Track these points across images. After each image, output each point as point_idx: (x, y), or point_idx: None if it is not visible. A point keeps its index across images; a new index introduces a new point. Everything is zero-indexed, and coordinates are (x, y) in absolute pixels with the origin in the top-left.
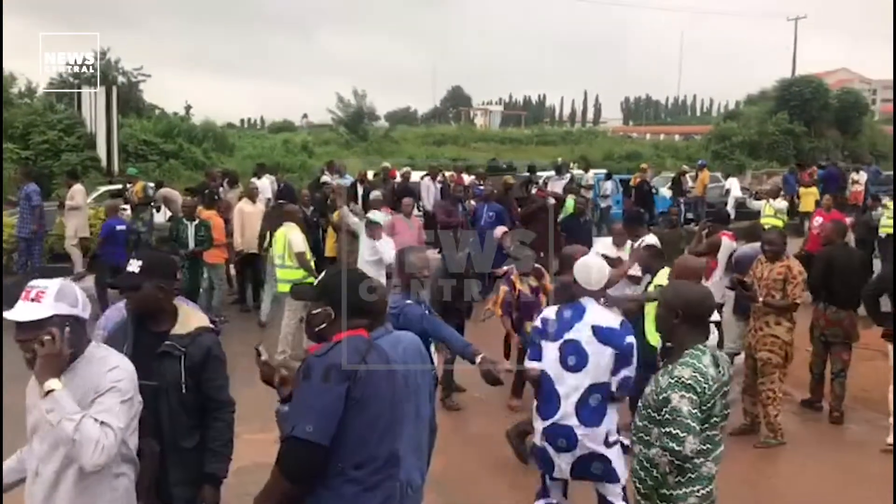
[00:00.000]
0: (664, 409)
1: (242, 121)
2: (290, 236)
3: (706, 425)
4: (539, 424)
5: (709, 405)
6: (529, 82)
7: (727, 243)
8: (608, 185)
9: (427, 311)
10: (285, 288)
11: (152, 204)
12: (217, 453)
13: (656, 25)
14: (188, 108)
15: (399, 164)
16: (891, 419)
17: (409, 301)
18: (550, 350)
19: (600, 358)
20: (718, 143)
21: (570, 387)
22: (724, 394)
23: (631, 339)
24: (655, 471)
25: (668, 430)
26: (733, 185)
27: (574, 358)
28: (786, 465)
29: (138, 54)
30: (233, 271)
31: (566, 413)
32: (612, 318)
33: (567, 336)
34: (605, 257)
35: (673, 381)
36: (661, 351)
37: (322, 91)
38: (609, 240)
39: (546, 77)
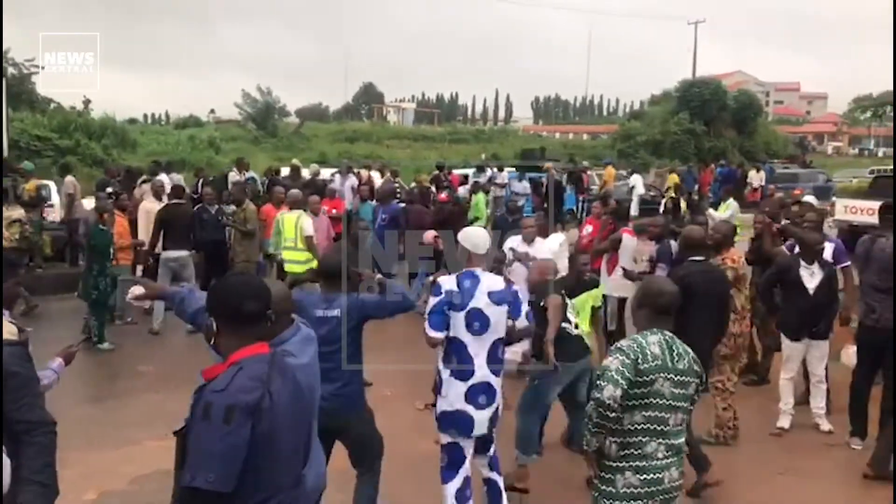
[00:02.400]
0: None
1: (146, 115)
2: (303, 221)
3: (646, 401)
4: (458, 388)
5: (646, 378)
6: (442, 80)
7: (628, 239)
8: (519, 184)
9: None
10: (293, 269)
11: (46, 204)
12: (30, 482)
13: (565, 26)
14: (87, 101)
15: (308, 161)
16: (780, 405)
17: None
18: (459, 319)
19: (499, 317)
20: (624, 142)
21: (478, 347)
22: (682, 383)
23: (515, 288)
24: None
25: (597, 383)
26: (637, 183)
27: (478, 323)
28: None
29: (29, 43)
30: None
31: (482, 371)
32: (499, 280)
33: (471, 305)
34: (514, 252)
35: (611, 349)
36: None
37: (230, 86)
38: (520, 237)
39: (458, 75)
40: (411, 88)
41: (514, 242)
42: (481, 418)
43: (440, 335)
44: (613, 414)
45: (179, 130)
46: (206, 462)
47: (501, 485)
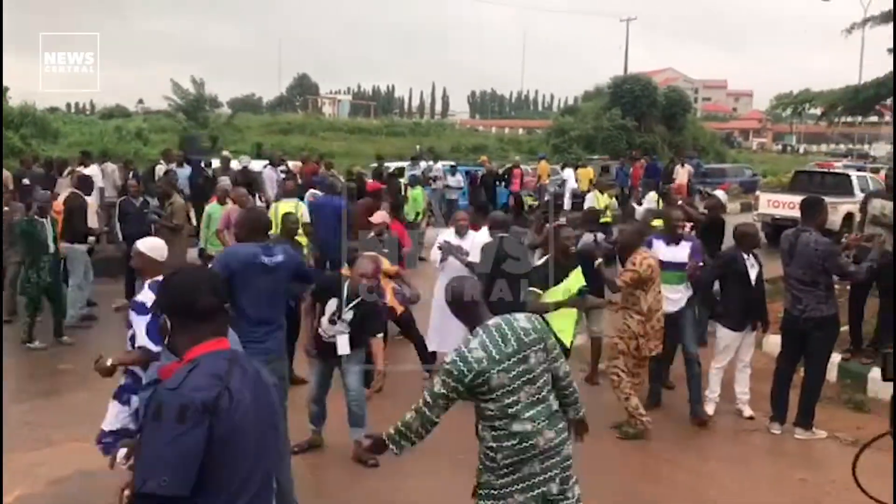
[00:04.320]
0: None
1: (69, 105)
2: (303, 209)
3: (492, 395)
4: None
5: (480, 380)
6: (378, 73)
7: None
8: (453, 177)
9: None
10: None
11: None
12: None
13: (501, 21)
14: (4, 89)
15: (237, 153)
16: (706, 392)
17: None
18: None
19: None
20: (558, 137)
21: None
22: (519, 361)
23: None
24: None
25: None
26: (569, 177)
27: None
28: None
29: None
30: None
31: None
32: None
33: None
34: (447, 244)
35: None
36: None
37: (160, 77)
38: (452, 230)
39: (395, 68)
40: (347, 80)
41: (447, 235)
42: None
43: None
44: (431, 428)
45: (105, 121)
46: (158, 465)
47: None
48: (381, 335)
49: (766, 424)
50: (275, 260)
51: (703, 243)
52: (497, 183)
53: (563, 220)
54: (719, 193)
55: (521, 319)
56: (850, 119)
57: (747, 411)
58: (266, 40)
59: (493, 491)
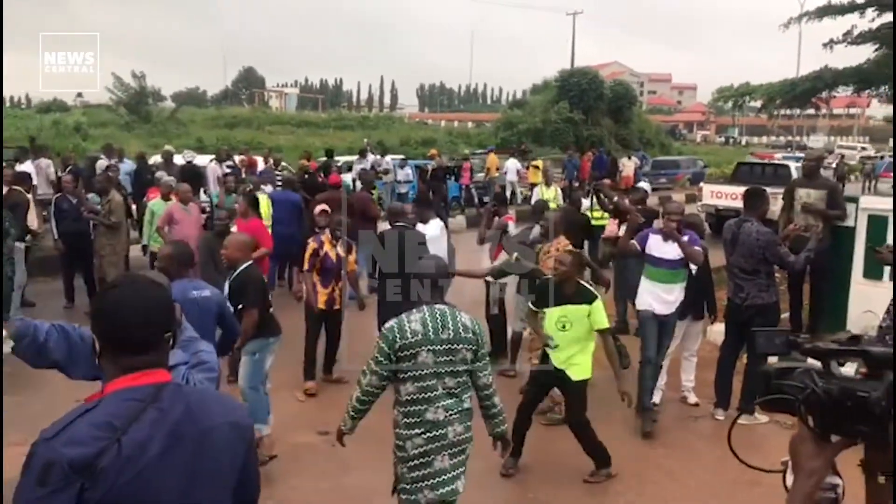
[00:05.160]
0: None
1: (3, 99)
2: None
3: (415, 373)
4: None
5: (409, 352)
6: (326, 66)
7: (512, 227)
8: (402, 171)
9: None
10: None
11: None
12: None
13: (449, 14)
14: None
15: (181, 147)
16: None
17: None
18: None
19: None
20: (506, 130)
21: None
22: (448, 351)
23: None
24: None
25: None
26: (510, 169)
27: None
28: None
29: None
30: None
31: None
32: None
33: None
34: None
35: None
36: None
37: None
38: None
39: (343, 61)
40: (294, 73)
41: None
42: None
43: None
44: (370, 398)
45: (42, 115)
46: None
47: None
48: (254, 308)
49: (710, 411)
50: (202, 294)
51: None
52: (447, 177)
53: (511, 212)
54: (643, 185)
55: (465, 316)
56: (788, 112)
57: (692, 398)
58: (210, 32)
59: (405, 486)
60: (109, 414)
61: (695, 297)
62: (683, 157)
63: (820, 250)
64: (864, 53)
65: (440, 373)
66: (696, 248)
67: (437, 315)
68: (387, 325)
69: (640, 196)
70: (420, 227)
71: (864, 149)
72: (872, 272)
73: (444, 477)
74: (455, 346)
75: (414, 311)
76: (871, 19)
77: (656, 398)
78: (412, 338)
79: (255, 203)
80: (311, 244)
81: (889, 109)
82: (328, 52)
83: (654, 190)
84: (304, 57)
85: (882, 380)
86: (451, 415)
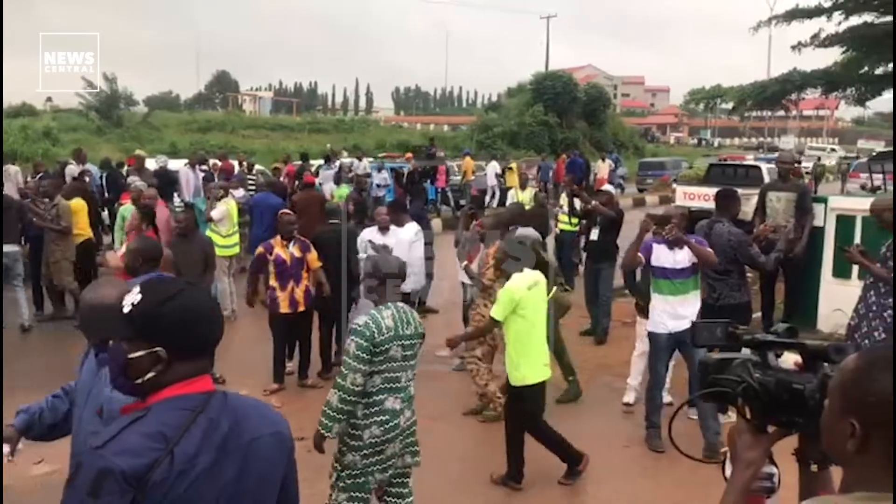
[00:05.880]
0: None
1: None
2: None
3: (383, 366)
4: None
5: (383, 348)
6: (300, 69)
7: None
8: (379, 174)
9: None
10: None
11: None
12: None
13: (424, 18)
14: None
15: (154, 152)
16: (629, 380)
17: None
18: None
19: None
20: (482, 133)
21: None
22: (410, 346)
23: None
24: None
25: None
26: (490, 170)
27: None
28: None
29: None
30: None
31: None
32: None
33: None
34: (371, 244)
35: (351, 328)
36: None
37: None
38: (375, 227)
39: (318, 65)
40: (268, 77)
41: (370, 234)
42: None
43: None
44: (354, 398)
45: (10, 120)
46: None
47: None
48: None
49: (684, 410)
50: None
51: (603, 237)
52: (423, 179)
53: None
54: (608, 187)
55: (415, 313)
56: (759, 114)
57: (666, 398)
58: (183, 36)
59: (354, 471)
60: (159, 424)
61: None
62: (669, 158)
63: (798, 252)
64: (832, 56)
65: (404, 365)
66: (707, 248)
67: (401, 311)
68: (359, 321)
69: (607, 198)
70: (394, 229)
71: (833, 150)
72: (841, 271)
73: (394, 460)
74: (415, 340)
75: (382, 307)
76: (837, 23)
77: (630, 398)
78: (387, 333)
79: (150, 216)
80: (259, 248)
81: (856, 111)
82: (303, 56)
83: (640, 191)
84: (278, 60)
85: (816, 372)
86: (403, 404)
